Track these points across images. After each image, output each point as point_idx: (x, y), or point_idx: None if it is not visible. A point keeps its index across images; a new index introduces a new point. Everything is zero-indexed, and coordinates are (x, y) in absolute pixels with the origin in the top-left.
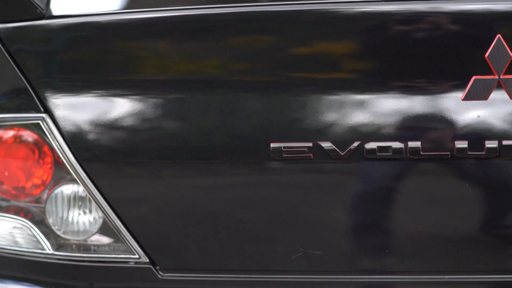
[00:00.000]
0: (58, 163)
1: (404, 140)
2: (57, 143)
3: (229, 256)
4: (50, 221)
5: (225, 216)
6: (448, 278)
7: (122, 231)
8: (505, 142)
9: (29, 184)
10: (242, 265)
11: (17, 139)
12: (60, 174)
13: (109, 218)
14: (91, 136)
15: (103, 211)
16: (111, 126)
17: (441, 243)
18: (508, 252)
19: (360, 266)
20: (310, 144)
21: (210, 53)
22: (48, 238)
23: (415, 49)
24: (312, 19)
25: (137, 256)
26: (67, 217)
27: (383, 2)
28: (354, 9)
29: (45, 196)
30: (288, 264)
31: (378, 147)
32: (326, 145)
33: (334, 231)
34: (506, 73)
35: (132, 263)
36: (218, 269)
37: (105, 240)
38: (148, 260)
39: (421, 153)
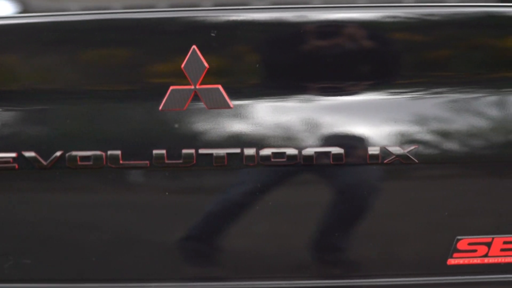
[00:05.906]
0: None
1: (104, 149)
2: None
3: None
4: None
5: None
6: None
7: None
8: (201, 151)
9: None
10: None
11: None
12: None
13: None
14: None
15: None
16: None
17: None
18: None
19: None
20: (15, 154)
21: None
22: None
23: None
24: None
25: None
26: None
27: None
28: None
29: None
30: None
31: (79, 156)
32: (30, 154)
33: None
34: (202, 83)
35: None
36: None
37: None
38: None
39: (121, 162)
